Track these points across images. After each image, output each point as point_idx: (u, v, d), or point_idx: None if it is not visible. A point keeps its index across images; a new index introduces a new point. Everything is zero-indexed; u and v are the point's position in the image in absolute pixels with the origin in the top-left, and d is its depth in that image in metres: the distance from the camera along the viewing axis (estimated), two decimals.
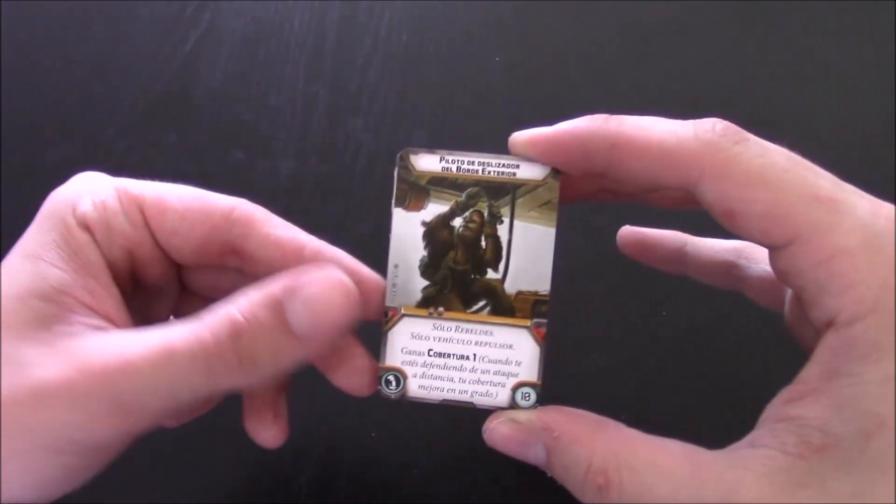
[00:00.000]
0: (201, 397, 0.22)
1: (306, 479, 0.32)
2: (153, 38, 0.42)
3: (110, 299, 0.23)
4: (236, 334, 0.21)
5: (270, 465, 0.32)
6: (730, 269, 0.28)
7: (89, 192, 0.24)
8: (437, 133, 0.41)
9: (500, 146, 0.44)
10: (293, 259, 0.24)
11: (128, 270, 0.25)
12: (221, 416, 0.33)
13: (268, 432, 0.27)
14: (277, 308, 0.21)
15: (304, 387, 0.33)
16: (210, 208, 0.25)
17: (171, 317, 0.28)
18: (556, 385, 0.35)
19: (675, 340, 0.36)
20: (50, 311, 0.21)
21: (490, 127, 0.41)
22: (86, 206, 0.23)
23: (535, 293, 0.24)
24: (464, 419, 0.33)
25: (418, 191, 0.24)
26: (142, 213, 0.24)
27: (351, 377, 0.25)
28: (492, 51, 0.43)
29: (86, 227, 0.23)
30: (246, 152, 0.40)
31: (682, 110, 0.41)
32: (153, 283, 0.26)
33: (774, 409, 0.20)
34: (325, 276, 0.22)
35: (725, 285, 0.29)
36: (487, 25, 0.44)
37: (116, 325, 0.23)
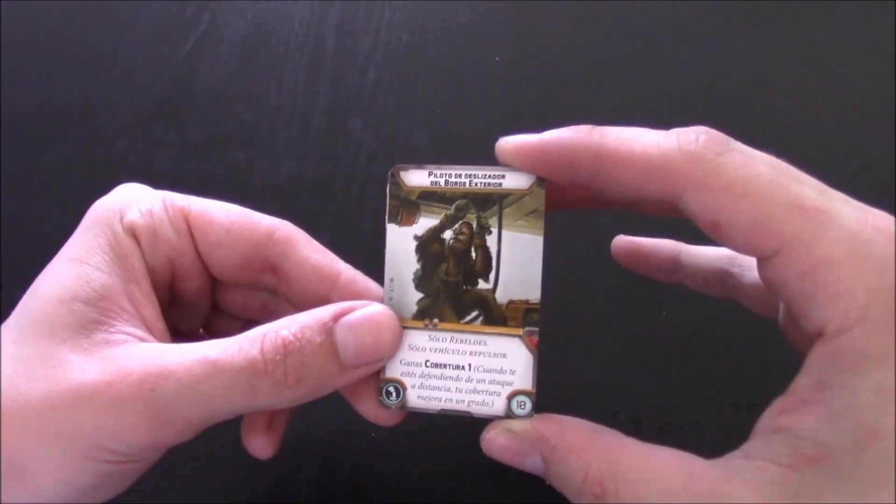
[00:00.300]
0: (236, 413, 0.22)
1: (306, 479, 0.32)
2: (153, 38, 0.42)
3: (150, 307, 0.24)
4: (287, 354, 0.22)
5: (270, 465, 0.32)
6: (724, 278, 0.28)
7: (136, 200, 0.25)
8: (437, 133, 0.41)
9: None
10: (328, 284, 0.25)
11: (167, 281, 0.25)
12: (279, 420, 0.33)
13: (257, 441, 0.27)
14: (329, 334, 0.22)
15: None
16: (254, 225, 0.25)
17: (201, 330, 0.29)
18: (556, 385, 0.35)
19: (675, 340, 0.36)
20: (91, 316, 0.22)
21: (490, 127, 0.41)
22: (133, 214, 0.24)
23: (526, 301, 0.24)
24: (463, 419, 0.33)
25: (409, 206, 0.24)
26: (187, 224, 0.25)
27: (378, 407, 0.25)
28: (492, 51, 0.43)
29: (133, 234, 0.24)
30: (246, 152, 0.40)
31: (681, 110, 0.42)
32: (189, 296, 0.27)
33: (768, 419, 0.20)
34: (374, 310, 0.23)
35: (720, 293, 0.29)
36: (487, 25, 0.44)
37: (153, 333, 0.23)
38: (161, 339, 0.23)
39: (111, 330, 0.22)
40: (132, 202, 0.24)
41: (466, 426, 0.31)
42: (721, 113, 0.42)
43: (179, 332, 0.27)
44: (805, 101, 0.42)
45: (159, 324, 0.24)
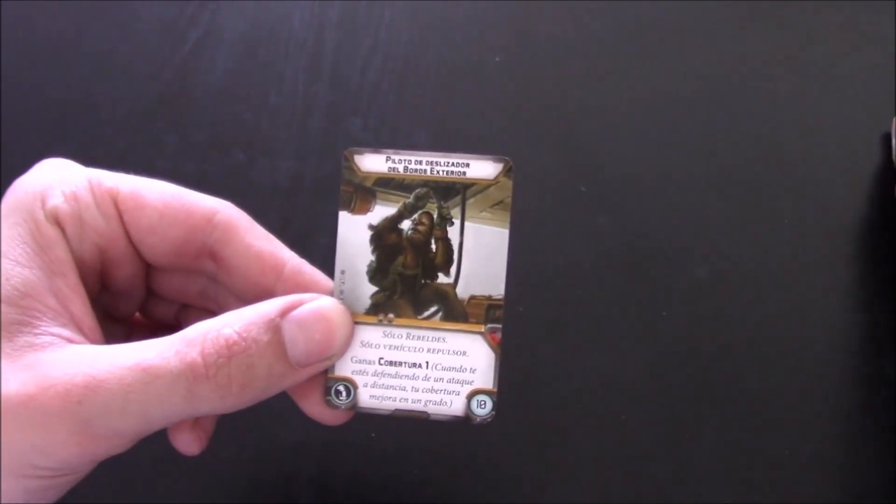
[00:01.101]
0: (176, 421, 0.21)
1: (306, 479, 0.32)
2: (153, 38, 0.42)
3: (78, 301, 0.21)
4: (231, 356, 0.20)
5: (270, 465, 0.32)
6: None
7: (59, 182, 0.22)
8: (437, 133, 0.41)
9: (500, 146, 0.44)
10: (272, 275, 0.24)
11: (97, 269, 0.23)
12: (221, 416, 0.33)
13: (183, 438, 0.25)
14: (276, 332, 0.21)
15: None
16: (191, 208, 0.24)
17: (138, 314, 0.27)
18: (556, 385, 0.35)
19: (675, 340, 0.36)
20: (13, 317, 0.20)
21: (490, 127, 0.41)
22: (56, 199, 0.22)
23: (489, 297, 0.23)
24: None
25: (364, 193, 0.23)
26: (116, 207, 0.23)
27: (325, 406, 0.24)
28: (492, 51, 0.43)
29: (56, 221, 0.21)
30: (246, 152, 0.40)
31: (681, 110, 0.41)
32: (121, 283, 0.25)
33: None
34: (324, 305, 0.22)
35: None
36: (487, 25, 0.44)
37: (83, 330, 0.21)
38: (91, 337, 0.21)
39: (35, 332, 0.20)
40: (55, 184, 0.22)
41: (466, 426, 0.31)
42: (721, 113, 0.42)
43: (115, 318, 0.26)
44: (805, 101, 0.42)
45: (89, 319, 0.22)
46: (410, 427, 0.33)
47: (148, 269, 0.25)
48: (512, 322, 0.36)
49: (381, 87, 0.42)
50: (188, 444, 0.25)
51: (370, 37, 0.43)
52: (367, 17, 0.44)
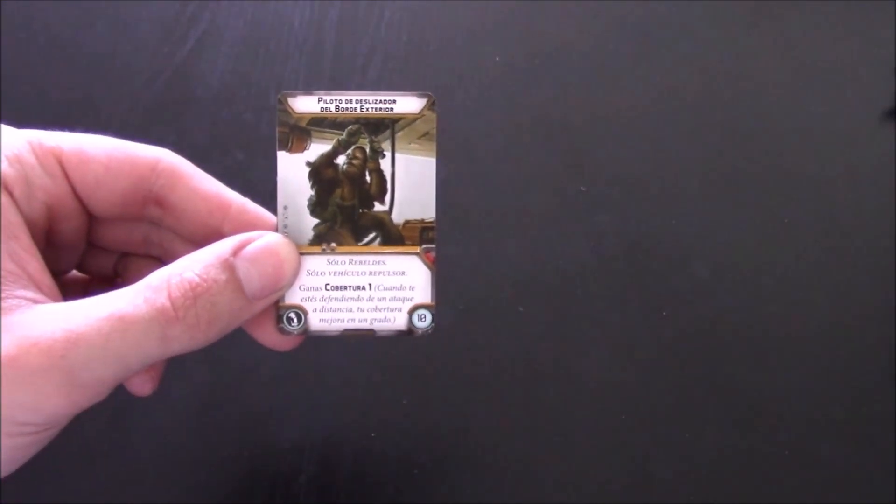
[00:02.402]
0: (149, 363, 0.22)
1: (306, 479, 0.32)
2: (153, 38, 0.42)
3: (34, 262, 0.22)
4: (196, 297, 0.21)
5: (270, 465, 0.32)
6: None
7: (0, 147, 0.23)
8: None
9: (499, 145, 0.44)
10: (219, 215, 0.25)
11: (44, 227, 0.24)
12: (221, 415, 0.33)
13: (135, 379, 0.26)
14: (232, 270, 0.22)
15: (304, 387, 0.34)
16: (135, 159, 0.24)
17: (75, 271, 0.28)
18: (556, 385, 0.35)
19: (675, 340, 0.36)
20: None
21: (490, 127, 0.41)
22: (0, 164, 0.22)
23: (422, 221, 0.25)
24: (464, 419, 0.33)
25: (300, 132, 0.24)
26: (61, 165, 0.24)
27: (278, 334, 0.25)
28: (492, 51, 0.43)
29: (3, 186, 0.22)
30: (246, 152, 0.40)
31: (681, 110, 0.41)
32: (65, 238, 0.25)
33: None
34: (272, 240, 0.23)
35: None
36: (487, 25, 0.44)
37: (43, 289, 0.22)
38: (51, 295, 0.22)
39: (2, 297, 0.20)
40: None
41: (467, 426, 0.31)
42: (721, 113, 0.42)
43: (56, 272, 0.26)
44: (805, 101, 0.42)
45: (46, 278, 0.22)
46: (410, 427, 0.33)
47: (91, 221, 0.26)
48: (512, 322, 0.36)
49: (381, 87, 0.42)
50: (142, 385, 0.26)
51: (370, 37, 0.43)
52: (367, 17, 0.44)
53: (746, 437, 0.34)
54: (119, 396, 0.23)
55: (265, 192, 0.39)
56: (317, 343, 0.32)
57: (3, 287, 0.21)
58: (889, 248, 0.38)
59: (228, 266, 0.22)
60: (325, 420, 0.33)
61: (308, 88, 0.42)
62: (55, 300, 0.22)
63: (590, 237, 0.38)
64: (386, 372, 0.34)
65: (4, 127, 0.23)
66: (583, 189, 0.39)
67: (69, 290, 0.27)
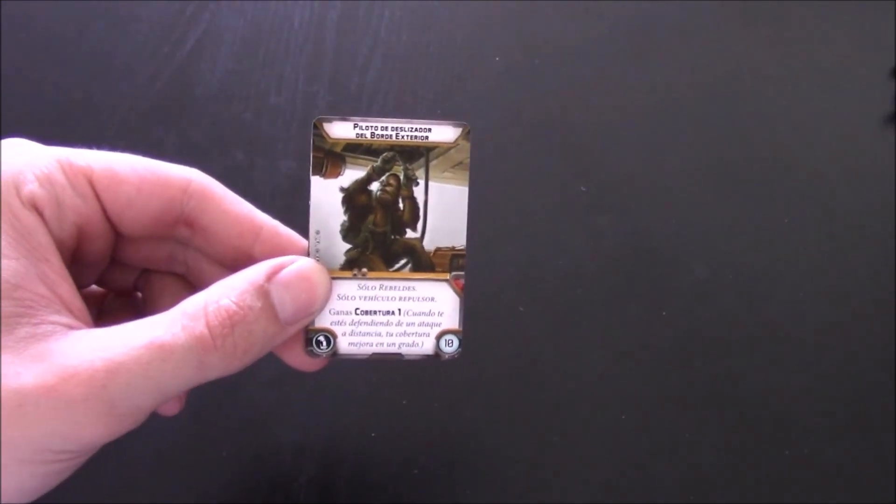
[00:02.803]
0: (186, 389, 0.22)
1: (306, 479, 0.32)
2: (153, 38, 0.42)
3: (65, 285, 0.22)
4: (233, 326, 0.21)
5: (270, 465, 0.32)
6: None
7: (29, 166, 0.22)
8: None
9: (500, 146, 0.44)
10: (249, 237, 0.25)
11: (73, 247, 0.24)
12: (221, 415, 0.33)
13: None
14: (266, 297, 0.22)
15: (304, 387, 0.34)
16: (166, 180, 0.24)
17: (94, 286, 0.27)
18: (556, 385, 0.35)
19: (675, 340, 0.36)
20: (10, 310, 0.20)
21: (490, 127, 0.41)
22: (31, 184, 0.21)
23: (453, 248, 0.25)
24: (464, 420, 0.33)
25: (334, 158, 0.24)
26: (91, 185, 0.23)
27: (303, 355, 0.25)
28: (492, 51, 0.43)
29: (34, 206, 0.21)
30: (246, 152, 0.40)
31: (681, 110, 0.41)
32: (92, 256, 0.25)
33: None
34: (305, 265, 0.23)
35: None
36: (487, 25, 0.44)
37: (74, 313, 0.22)
38: (82, 318, 0.22)
39: (34, 321, 0.20)
40: (25, 168, 0.22)
41: (467, 426, 0.31)
42: (721, 113, 0.42)
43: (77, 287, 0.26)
44: (805, 100, 0.42)
45: (77, 301, 0.22)
46: (410, 427, 0.33)
47: (117, 239, 0.26)
48: (512, 322, 0.36)
49: (381, 87, 0.42)
50: (171, 407, 0.26)
51: (370, 37, 0.43)
52: (367, 17, 0.44)
53: (746, 437, 0.34)
54: None
55: (265, 193, 0.39)
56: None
57: (36, 312, 0.20)
58: (889, 249, 0.38)
59: (263, 292, 0.22)
60: (325, 420, 0.33)
61: (308, 88, 0.42)
62: (86, 324, 0.22)
63: (590, 237, 0.38)
64: (386, 372, 0.34)
65: (32, 144, 0.23)
66: (583, 189, 0.39)
67: (87, 304, 0.27)
